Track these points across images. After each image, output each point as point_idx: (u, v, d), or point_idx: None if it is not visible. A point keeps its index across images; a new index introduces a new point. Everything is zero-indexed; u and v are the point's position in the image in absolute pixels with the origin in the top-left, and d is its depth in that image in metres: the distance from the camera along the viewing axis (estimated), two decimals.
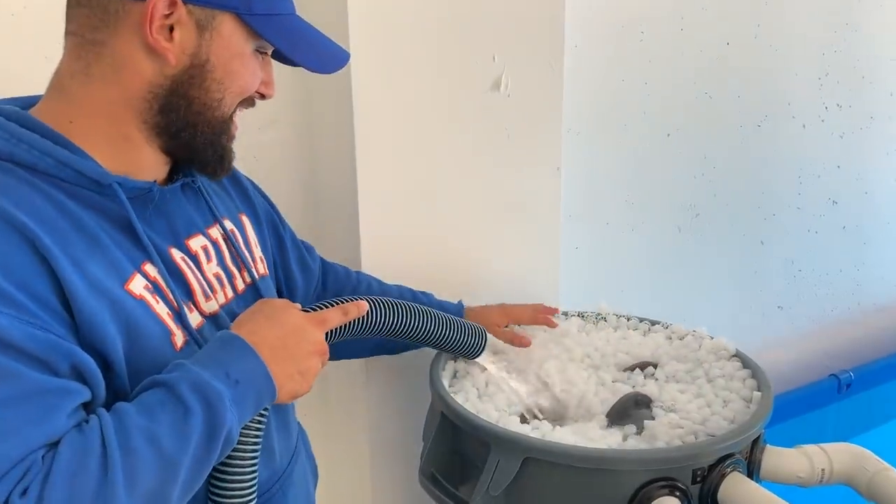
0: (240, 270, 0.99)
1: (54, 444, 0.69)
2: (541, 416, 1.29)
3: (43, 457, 0.67)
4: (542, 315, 1.44)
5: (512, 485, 1.13)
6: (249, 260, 1.02)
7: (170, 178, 0.94)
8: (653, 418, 1.24)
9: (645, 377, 1.36)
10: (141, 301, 0.81)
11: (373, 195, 1.43)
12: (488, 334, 1.28)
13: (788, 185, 2.46)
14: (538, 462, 1.12)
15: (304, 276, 1.23)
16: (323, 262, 1.33)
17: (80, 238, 0.77)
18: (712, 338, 1.43)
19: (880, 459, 1.24)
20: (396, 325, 1.05)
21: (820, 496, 1.33)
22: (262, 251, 1.07)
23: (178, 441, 0.73)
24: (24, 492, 0.65)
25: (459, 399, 1.27)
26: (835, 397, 2.48)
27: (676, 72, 2.09)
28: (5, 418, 0.66)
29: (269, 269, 1.08)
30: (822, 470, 1.23)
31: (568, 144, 1.77)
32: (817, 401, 2.43)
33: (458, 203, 1.55)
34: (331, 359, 0.95)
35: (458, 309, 1.41)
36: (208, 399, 0.75)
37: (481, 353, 1.20)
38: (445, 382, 1.32)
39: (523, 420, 1.26)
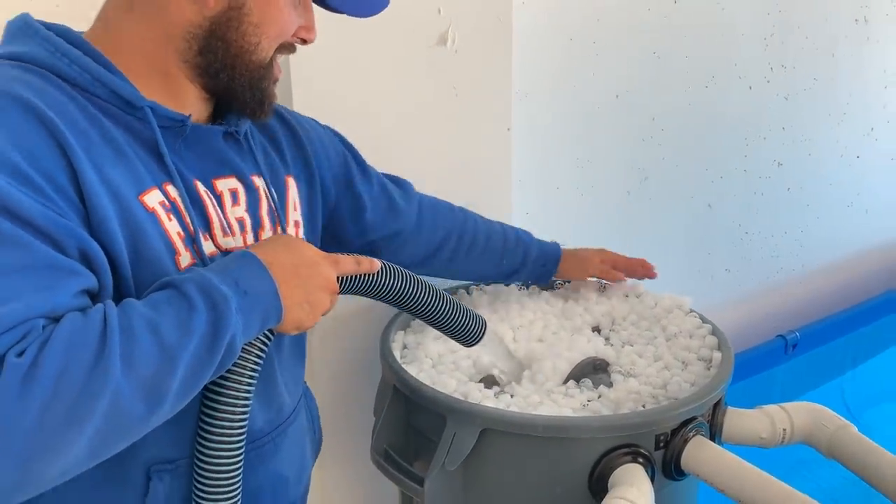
0: (273, 224, 0.99)
1: (56, 320, 0.68)
2: (504, 378, 1.24)
3: (43, 327, 0.67)
4: (641, 263, 1.48)
5: (469, 458, 1.08)
6: (284, 218, 1.01)
7: (214, 122, 0.96)
8: (611, 383, 1.20)
9: (605, 343, 1.32)
10: (152, 214, 0.82)
11: None
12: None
13: (735, 147, 2.45)
14: (497, 433, 1.07)
15: (391, 217, 1.25)
16: (421, 199, 1.34)
17: (105, 146, 0.80)
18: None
19: (838, 416, 1.22)
20: (402, 294, 1.01)
21: (778, 460, 1.32)
22: (303, 215, 1.06)
23: (179, 335, 0.71)
24: (21, 353, 0.64)
25: (412, 371, 1.21)
26: (782, 357, 2.51)
27: (624, 30, 2.04)
28: (11, 283, 0.67)
29: (306, 232, 1.07)
30: (784, 430, 1.21)
31: (516, 106, 1.71)
32: (765, 361, 2.45)
33: (404, 164, 1.47)
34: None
35: (556, 248, 1.47)
36: (214, 300, 0.74)
37: (479, 341, 1.14)
38: (397, 354, 1.26)
39: (488, 385, 1.20)
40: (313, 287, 0.85)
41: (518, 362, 1.26)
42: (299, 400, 1.06)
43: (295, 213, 1.04)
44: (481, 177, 1.62)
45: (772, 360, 2.47)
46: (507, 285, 1.52)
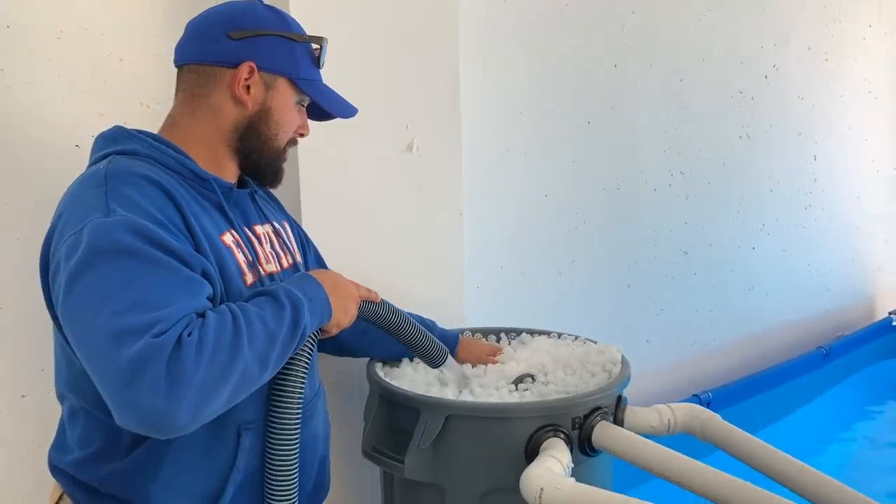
0: (284, 254, 1.39)
1: (200, 315, 1.04)
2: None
3: (196, 318, 1.03)
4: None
5: (437, 439, 1.47)
6: (291, 250, 1.42)
7: (238, 186, 1.35)
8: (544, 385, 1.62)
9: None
10: (229, 248, 1.22)
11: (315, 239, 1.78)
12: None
13: (646, 238, 2.97)
14: (458, 417, 1.47)
15: None
16: None
17: (194, 203, 1.19)
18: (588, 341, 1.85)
19: (708, 410, 1.66)
20: (392, 322, 1.45)
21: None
22: (299, 249, 1.49)
23: (277, 323, 1.10)
24: (190, 334, 0.99)
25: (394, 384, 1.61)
26: None
27: (549, 144, 2.58)
28: (171, 292, 1.02)
29: (304, 261, 1.50)
30: (669, 421, 1.64)
31: (467, 202, 2.19)
32: None
33: (379, 243, 1.92)
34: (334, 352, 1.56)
35: (454, 335, 1.78)
36: (295, 302, 1.14)
37: (441, 364, 1.58)
38: (381, 374, 1.66)
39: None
40: (347, 298, 1.28)
41: (466, 380, 1.67)
42: (318, 389, 1.45)
43: (294, 245, 1.46)
44: (439, 255, 2.06)
45: None
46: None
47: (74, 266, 1.02)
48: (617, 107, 2.78)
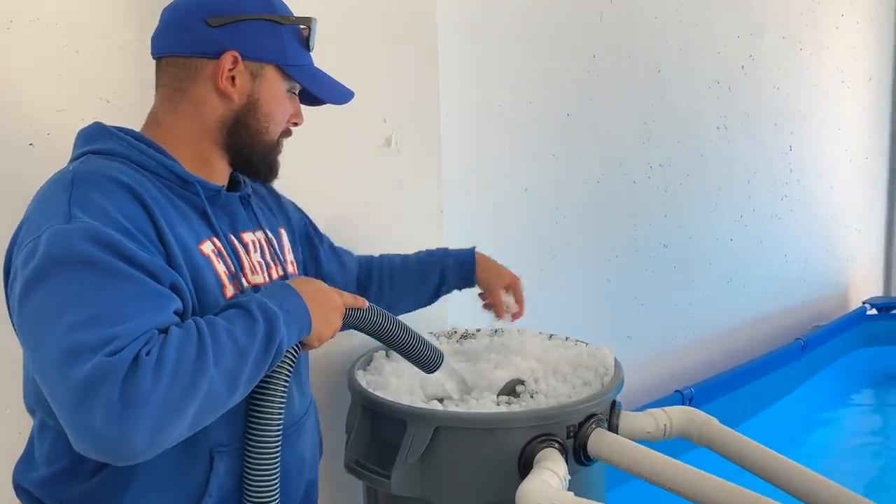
0: (274, 264, 1.30)
1: (164, 331, 0.96)
2: (454, 395, 1.55)
3: (158, 334, 0.95)
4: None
5: (426, 452, 1.39)
6: (282, 260, 1.33)
7: (229, 188, 1.26)
8: (531, 396, 1.54)
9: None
10: (207, 259, 1.13)
11: None
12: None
13: (626, 231, 2.92)
14: (447, 429, 1.39)
15: (341, 272, 1.59)
16: (360, 259, 1.69)
17: (171, 209, 1.10)
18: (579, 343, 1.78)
19: (704, 413, 1.60)
20: (383, 328, 1.33)
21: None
22: (293, 257, 1.39)
23: (248, 339, 1.01)
24: (148, 353, 0.91)
25: (378, 394, 1.52)
26: None
27: (528, 138, 2.51)
28: (134, 306, 0.95)
29: (299, 270, 1.40)
30: (665, 425, 1.57)
31: (446, 197, 2.11)
32: None
33: (358, 241, 1.83)
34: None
35: (470, 252, 1.73)
36: (269, 315, 1.04)
37: (437, 369, 1.45)
38: (363, 384, 1.57)
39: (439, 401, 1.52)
40: (329, 308, 1.17)
41: (466, 385, 1.59)
42: (308, 406, 1.36)
43: (290, 255, 1.37)
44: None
45: None
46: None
47: (29, 276, 0.95)
48: (596, 99, 2.72)
